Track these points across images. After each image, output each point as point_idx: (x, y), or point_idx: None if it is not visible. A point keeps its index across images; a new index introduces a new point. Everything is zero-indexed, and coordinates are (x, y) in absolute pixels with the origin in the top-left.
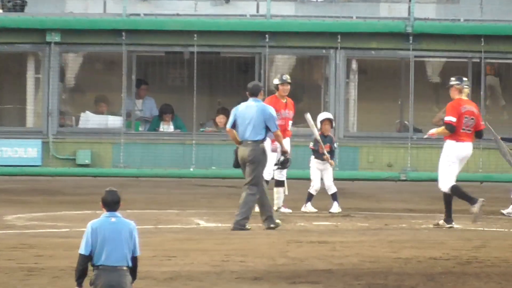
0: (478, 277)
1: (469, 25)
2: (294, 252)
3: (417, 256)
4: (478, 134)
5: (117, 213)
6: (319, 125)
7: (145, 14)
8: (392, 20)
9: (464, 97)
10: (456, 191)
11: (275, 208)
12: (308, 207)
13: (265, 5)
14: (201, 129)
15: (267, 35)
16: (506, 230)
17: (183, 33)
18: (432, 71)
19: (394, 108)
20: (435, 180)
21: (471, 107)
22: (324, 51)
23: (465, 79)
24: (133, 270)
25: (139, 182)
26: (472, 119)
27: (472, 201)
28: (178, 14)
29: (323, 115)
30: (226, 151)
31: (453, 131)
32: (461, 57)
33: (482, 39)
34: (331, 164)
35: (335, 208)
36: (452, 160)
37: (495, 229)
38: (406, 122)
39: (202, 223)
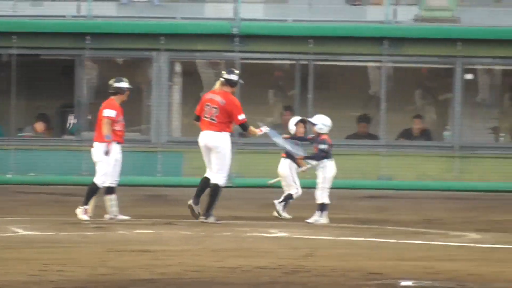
0: (305, 287)
1: (297, 25)
2: (115, 261)
3: (242, 265)
4: (241, 127)
5: None
6: (294, 128)
7: None
8: (218, 21)
9: (216, 87)
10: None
11: (109, 216)
12: (285, 214)
13: (86, 6)
14: (19, 134)
15: (88, 37)
16: (334, 238)
17: (1, 34)
18: (260, 73)
19: None
20: (262, 186)
21: (214, 95)
22: (147, 53)
23: (236, 72)
24: None
25: None
26: (215, 108)
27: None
28: None
29: (296, 118)
30: (46, 157)
31: (195, 119)
32: (289, 59)
33: (311, 40)
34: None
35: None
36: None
37: (323, 237)
38: None
39: (20, 232)
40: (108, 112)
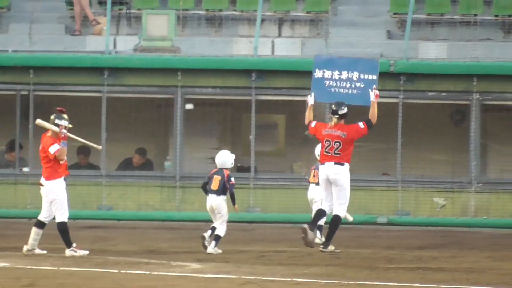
0: None
1: (18, 56)
2: None
3: None
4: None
5: None
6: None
7: None
8: None
9: (332, 123)
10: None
11: (27, 248)
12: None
13: None
14: None
15: None
16: (55, 268)
17: None
18: None
19: None
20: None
21: (332, 130)
22: None
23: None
24: None
25: None
26: (337, 142)
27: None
28: None
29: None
30: None
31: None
32: (10, 90)
33: (31, 71)
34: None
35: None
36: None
37: (44, 267)
38: None
39: None
40: (53, 148)
